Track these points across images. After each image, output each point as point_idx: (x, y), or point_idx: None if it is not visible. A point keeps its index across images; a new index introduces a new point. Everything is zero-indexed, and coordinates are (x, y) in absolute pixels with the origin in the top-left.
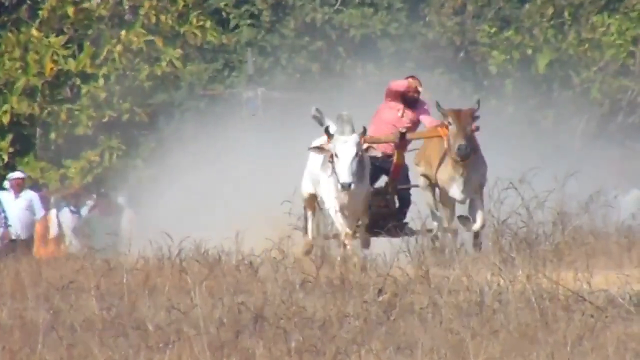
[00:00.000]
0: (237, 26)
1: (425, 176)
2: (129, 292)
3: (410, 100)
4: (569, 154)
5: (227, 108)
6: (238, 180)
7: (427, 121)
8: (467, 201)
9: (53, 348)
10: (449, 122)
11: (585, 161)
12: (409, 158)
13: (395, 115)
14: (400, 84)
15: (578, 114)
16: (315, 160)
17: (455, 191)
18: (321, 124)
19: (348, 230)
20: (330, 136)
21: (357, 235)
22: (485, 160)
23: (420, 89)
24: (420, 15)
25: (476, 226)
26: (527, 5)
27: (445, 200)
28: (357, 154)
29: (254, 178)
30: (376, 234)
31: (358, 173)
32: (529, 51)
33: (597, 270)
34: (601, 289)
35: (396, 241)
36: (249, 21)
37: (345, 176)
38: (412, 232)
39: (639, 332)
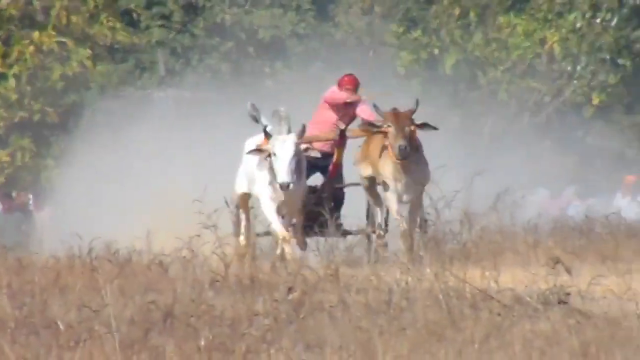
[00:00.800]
0: (147, 27)
1: (368, 177)
2: (41, 290)
3: (350, 104)
4: (477, 153)
5: (138, 108)
6: (149, 179)
7: (365, 114)
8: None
9: None
10: (388, 125)
11: (492, 161)
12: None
13: (334, 116)
14: (339, 97)
15: (485, 114)
16: (250, 159)
17: (399, 190)
18: (257, 120)
19: (285, 233)
20: (268, 136)
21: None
22: (427, 161)
23: (361, 94)
24: (329, 15)
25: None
26: (434, 6)
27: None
28: (295, 153)
29: (165, 177)
30: (310, 234)
31: (296, 172)
32: (436, 51)
33: (505, 268)
34: (508, 287)
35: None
36: (159, 22)
37: (284, 175)
38: (347, 233)
39: (546, 330)
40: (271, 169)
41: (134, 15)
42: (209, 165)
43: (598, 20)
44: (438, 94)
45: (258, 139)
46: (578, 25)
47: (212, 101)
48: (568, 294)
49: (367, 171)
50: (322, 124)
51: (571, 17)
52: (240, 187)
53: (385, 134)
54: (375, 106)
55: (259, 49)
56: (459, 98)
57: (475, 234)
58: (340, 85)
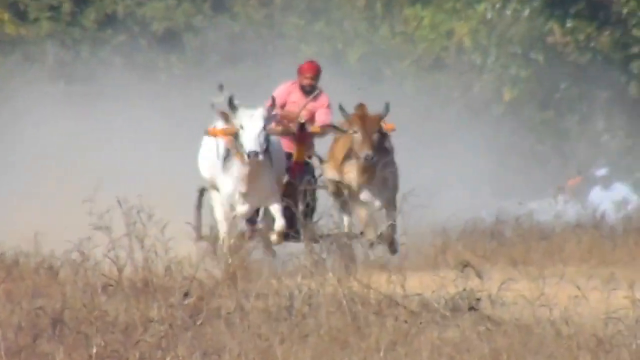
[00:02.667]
0: (36, 19)
1: (333, 181)
2: None
3: (306, 88)
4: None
5: (26, 102)
6: (38, 179)
7: (320, 119)
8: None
9: None
10: (354, 130)
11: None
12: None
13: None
14: (289, 115)
15: (391, 108)
16: (210, 147)
17: (365, 197)
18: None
19: (227, 235)
20: (234, 109)
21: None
22: (396, 164)
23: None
24: (226, 6)
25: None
26: None
27: (357, 205)
28: (264, 128)
29: (54, 176)
30: (292, 239)
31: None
32: (340, 45)
33: (411, 272)
34: (415, 293)
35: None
36: (48, 13)
37: (252, 144)
38: (318, 238)
39: (455, 337)
40: (231, 162)
41: (22, 6)
42: (102, 163)
43: (509, 12)
44: (342, 88)
45: (218, 123)
46: (488, 16)
47: (103, 95)
48: (478, 299)
49: (331, 173)
50: (290, 104)
51: (481, 8)
52: (205, 172)
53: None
54: (341, 108)
55: (153, 42)
56: (364, 92)
57: (380, 237)
58: (300, 72)
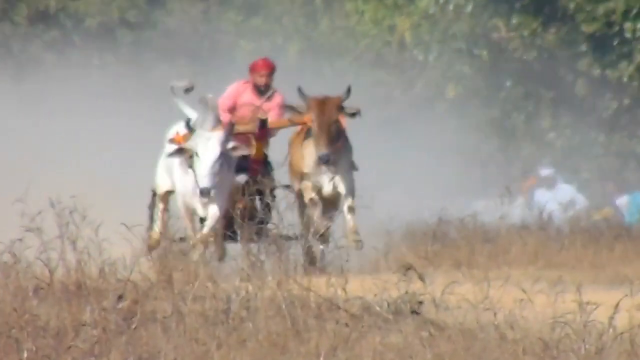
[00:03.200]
0: None
1: (296, 177)
2: None
3: (261, 87)
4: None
5: None
6: None
7: (274, 114)
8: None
9: None
10: (312, 117)
11: None
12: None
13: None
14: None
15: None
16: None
17: (324, 184)
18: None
19: (199, 237)
20: (190, 130)
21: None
22: (351, 145)
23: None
24: (162, 1)
25: (349, 228)
26: None
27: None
28: (221, 154)
29: None
30: (229, 239)
31: (220, 174)
32: (279, 40)
33: (353, 275)
34: (357, 296)
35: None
36: None
37: (205, 180)
38: (279, 238)
39: (397, 342)
40: (192, 169)
41: None
42: (34, 162)
43: (451, 7)
44: (281, 85)
45: (179, 128)
46: (430, 11)
47: (35, 92)
48: (421, 302)
49: (296, 184)
50: (244, 107)
51: (423, 2)
52: (163, 182)
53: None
54: (300, 91)
55: (86, 38)
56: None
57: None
58: (253, 70)
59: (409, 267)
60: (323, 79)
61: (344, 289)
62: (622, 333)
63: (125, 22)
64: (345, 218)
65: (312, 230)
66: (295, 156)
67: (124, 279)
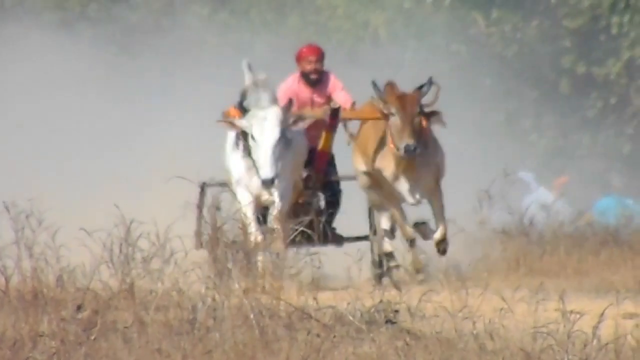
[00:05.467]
0: None
1: (365, 172)
2: None
3: (310, 75)
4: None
5: None
6: None
7: (341, 99)
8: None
9: None
10: (391, 112)
11: None
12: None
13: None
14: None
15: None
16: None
17: (404, 191)
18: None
19: (260, 238)
20: (243, 111)
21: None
22: (441, 147)
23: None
24: None
25: (437, 235)
26: None
27: (391, 201)
28: (281, 134)
29: None
30: (293, 242)
31: (283, 157)
32: (247, 35)
33: (324, 283)
34: (329, 305)
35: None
36: None
37: (267, 169)
38: (342, 241)
39: (371, 353)
40: (248, 153)
41: None
42: None
43: (429, 0)
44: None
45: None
46: (406, 5)
47: None
48: (396, 311)
49: (362, 165)
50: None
51: None
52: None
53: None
54: (374, 84)
55: (45, 34)
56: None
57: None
58: (299, 59)
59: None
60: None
61: (315, 299)
62: (607, 343)
63: (85, 16)
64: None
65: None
66: (368, 144)
67: (84, 287)
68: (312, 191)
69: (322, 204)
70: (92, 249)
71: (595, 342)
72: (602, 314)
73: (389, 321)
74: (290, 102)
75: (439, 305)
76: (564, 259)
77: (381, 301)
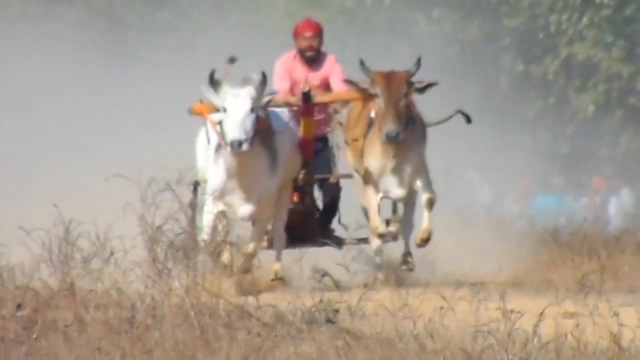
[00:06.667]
0: None
1: (357, 168)
2: None
3: (306, 52)
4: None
5: None
6: None
7: (336, 85)
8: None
9: None
10: (376, 94)
11: None
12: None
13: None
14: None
15: None
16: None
17: (390, 184)
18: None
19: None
20: (217, 86)
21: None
22: (425, 129)
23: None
24: None
25: (423, 229)
26: None
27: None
28: (252, 110)
29: None
30: (289, 243)
31: (255, 137)
32: (187, 35)
33: (265, 282)
34: (269, 304)
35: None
36: None
37: (234, 131)
38: (340, 242)
39: (311, 352)
40: (222, 137)
41: None
42: None
43: (369, 0)
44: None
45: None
46: (347, 5)
47: None
48: (336, 311)
49: (352, 159)
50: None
51: None
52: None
53: (370, 98)
54: (362, 63)
55: None
56: None
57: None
58: (295, 35)
59: (324, 274)
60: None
61: (256, 297)
62: (547, 342)
63: (24, 15)
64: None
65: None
66: (355, 136)
67: (23, 286)
68: (304, 189)
69: (319, 203)
70: (31, 248)
71: (535, 341)
72: (542, 313)
73: (329, 321)
74: (264, 77)
75: (379, 305)
76: (504, 258)
77: (321, 300)
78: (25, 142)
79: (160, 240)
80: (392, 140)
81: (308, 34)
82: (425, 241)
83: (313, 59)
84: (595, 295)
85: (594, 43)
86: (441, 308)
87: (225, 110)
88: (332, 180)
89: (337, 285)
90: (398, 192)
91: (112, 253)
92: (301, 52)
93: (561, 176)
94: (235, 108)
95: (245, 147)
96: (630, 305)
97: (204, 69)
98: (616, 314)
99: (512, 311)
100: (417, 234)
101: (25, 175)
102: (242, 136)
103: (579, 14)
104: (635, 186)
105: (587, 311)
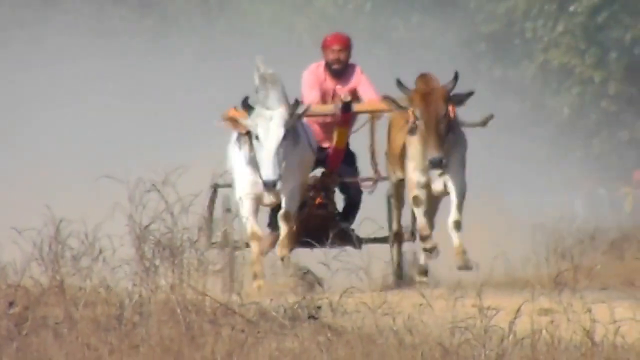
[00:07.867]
0: None
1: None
2: None
3: (333, 65)
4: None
5: None
6: None
7: (367, 95)
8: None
9: None
10: (416, 117)
11: None
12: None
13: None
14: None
15: None
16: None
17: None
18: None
19: (257, 229)
20: (248, 109)
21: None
22: (465, 137)
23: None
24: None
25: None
26: None
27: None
28: (285, 136)
29: None
30: (307, 244)
31: (287, 158)
32: (175, 40)
33: (249, 279)
34: (253, 301)
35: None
36: None
37: (269, 171)
38: (360, 242)
39: (294, 348)
40: (252, 153)
41: None
42: None
43: (351, 6)
44: (176, 87)
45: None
46: (329, 11)
47: None
48: (318, 307)
49: (397, 174)
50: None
51: (321, 1)
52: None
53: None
54: (399, 82)
55: None
56: (200, 91)
57: (216, 244)
58: (323, 47)
59: (307, 271)
60: (222, 80)
61: (239, 294)
62: (523, 338)
63: (16, 21)
64: (450, 234)
65: (406, 235)
66: (396, 142)
67: (15, 284)
68: (327, 192)
69: (339, 205)
70: (22, 247)
71: (511, 337)
72: (518, 310)
73: (311, 317)
74: (296, 102)
75: (360, 301)
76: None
77: (304, 297)
78: (15, 144)
79: (147, 239)
80: (436, 167)
81: (336, 47)
82: (463, 256)
83: (340, 71)
84: (569, 292)
85: (567, 49)
86: (420, 305)
87: (257, 139)
88: (360, 183)
89: (320, 283)
90: (439, 185)
91: (100, 251)
92: (328, 65)
93: (539, 179)
94: (269, 139)
95: (279, 186)
96: (603, 302)
97: (190, 73)
98: (589, 311)
99: (488, 308)
100: (455, 256)
101: (16, 177)
102: (276, 177)
103: (553, 21)
104: (607, 186)
105: (561, 308)
